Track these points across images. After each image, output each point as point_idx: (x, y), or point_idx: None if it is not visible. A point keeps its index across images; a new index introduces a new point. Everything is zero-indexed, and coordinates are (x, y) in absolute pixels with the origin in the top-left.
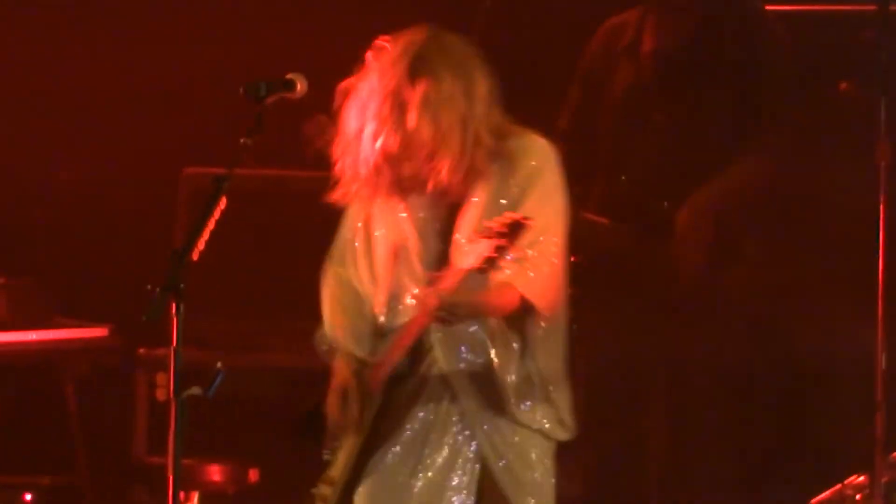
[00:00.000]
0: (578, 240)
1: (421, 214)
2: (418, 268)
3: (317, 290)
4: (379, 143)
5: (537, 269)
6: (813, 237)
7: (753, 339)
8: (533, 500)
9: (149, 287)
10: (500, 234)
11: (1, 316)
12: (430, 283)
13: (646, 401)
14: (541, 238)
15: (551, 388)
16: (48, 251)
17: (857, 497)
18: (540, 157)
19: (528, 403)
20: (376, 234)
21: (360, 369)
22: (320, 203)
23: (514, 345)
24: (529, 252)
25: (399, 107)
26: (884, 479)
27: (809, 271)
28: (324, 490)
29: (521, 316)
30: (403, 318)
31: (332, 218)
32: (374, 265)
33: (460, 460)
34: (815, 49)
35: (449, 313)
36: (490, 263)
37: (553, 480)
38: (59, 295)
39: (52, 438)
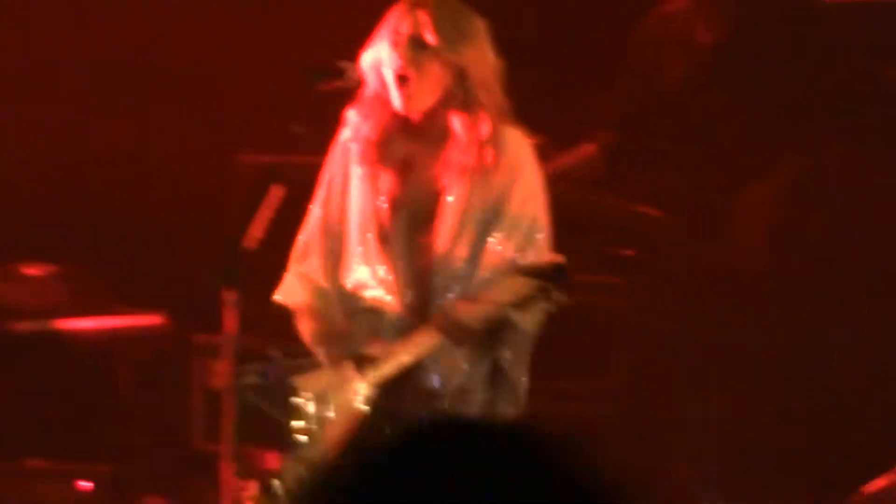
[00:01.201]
0: (631, 232)
1: (401, 202)
2: (389, 257)
3: None
4: (396, 68)
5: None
6: (866, 230)
7: (810, 328)
8: None
9: (204, 274)
10: (541, 275)
11: (58, 303)
12: (459, 306)
13: (698, 391)
14: (536, 236)
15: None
16: (104, 238)
17: None
18: (520, 150)
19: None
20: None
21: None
22: None
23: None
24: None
25: (419, 45)
26: None
27: (860, 265)
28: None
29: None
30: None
31: None
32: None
33: None
34: (869, 37)
35: (468, 338)
36: (527, 302)
37: None
38: (116, 282)
39: (108, 426)
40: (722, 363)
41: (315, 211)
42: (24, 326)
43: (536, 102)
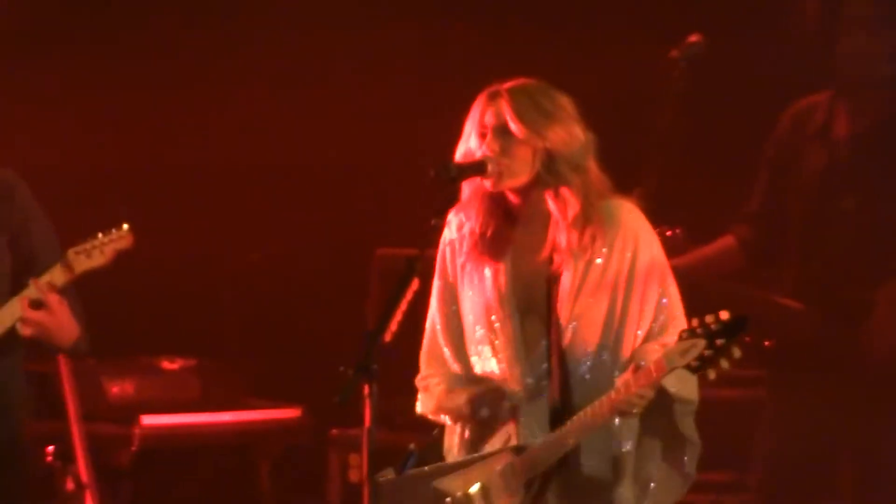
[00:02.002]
0: (770, 324)
1: (512, 290)
2: (505, 345)
3: None
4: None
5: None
6: None
7: None
8: None
9: (341, 369)
10: (719, 333)
11: (194, 397)
12: (635, 375)
13: (833, 484)
14: (671, 318)
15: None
16: (239, 332)
17: None
18: (631, 219)
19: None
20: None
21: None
22: None
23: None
24: (663, 335)
25: (504, 133)
26: None
27: None
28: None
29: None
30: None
31: None
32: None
33: None
34: None
35: (638, 406)
36: (705, 363)
37: None
38: (252, 376)
39: None
40: (859, 458)
41: (432, 319)
42: (164, 420)
43: (674, 193)
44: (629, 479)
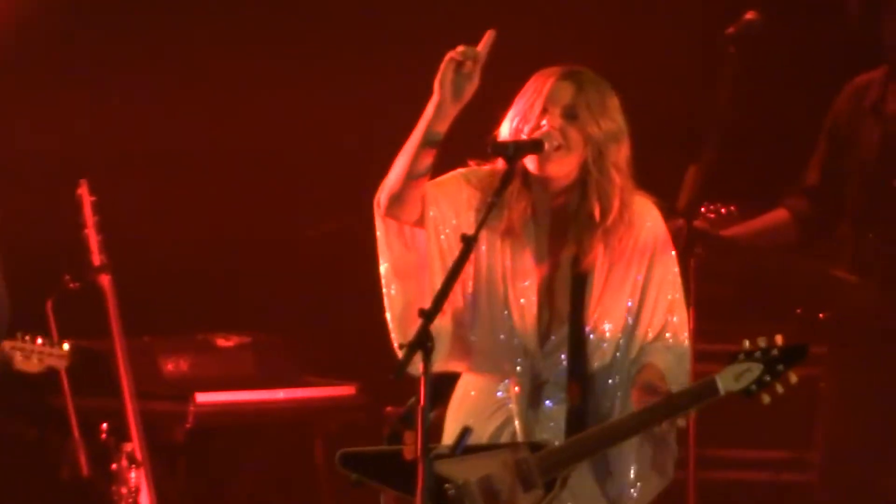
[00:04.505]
0: (826, 297)
1: (542, 281)
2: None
3: None
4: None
5: (683, 357)
6: None
7: None
8: None
9: (397, 345)
10: (777, 359)
11: (249, 374)
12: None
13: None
14: (674, 318)
15: None
16: (295, 309)
17: None
18: (657, 224)
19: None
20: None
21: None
22: None
23: None
24: (668, 335)
25: (571, 115)
26: None
27: None
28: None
29: None
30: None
31: None
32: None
33: None
34: None
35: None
36: (761, 387)
37: None
38: (307, 353)
39: (302, 498)
40: None
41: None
42: (218, 398)
43: (729, 170)
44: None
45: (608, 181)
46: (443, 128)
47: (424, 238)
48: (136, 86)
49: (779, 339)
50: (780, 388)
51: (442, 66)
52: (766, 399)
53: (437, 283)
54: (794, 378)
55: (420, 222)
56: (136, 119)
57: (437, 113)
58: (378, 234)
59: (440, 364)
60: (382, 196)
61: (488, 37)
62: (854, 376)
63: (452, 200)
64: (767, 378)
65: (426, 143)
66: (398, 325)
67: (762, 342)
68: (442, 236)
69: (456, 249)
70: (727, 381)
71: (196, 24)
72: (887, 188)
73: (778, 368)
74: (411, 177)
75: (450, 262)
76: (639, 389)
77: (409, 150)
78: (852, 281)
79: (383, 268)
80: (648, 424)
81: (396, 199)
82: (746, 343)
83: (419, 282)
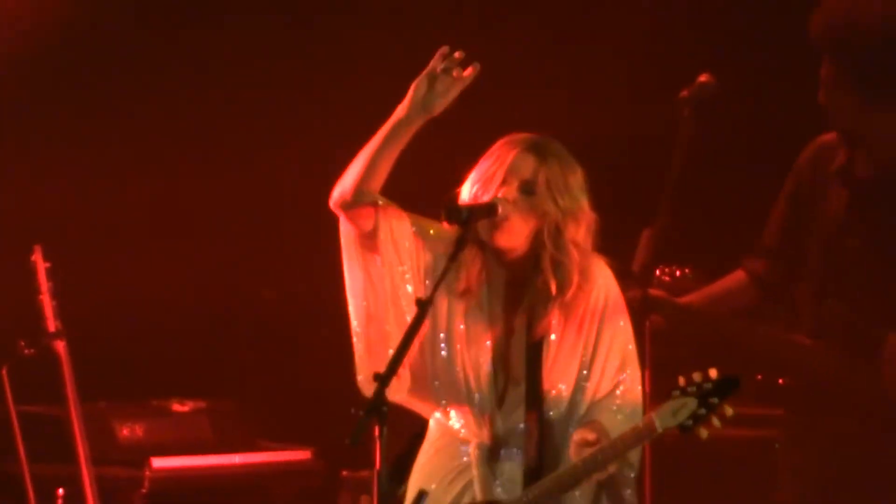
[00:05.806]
0: (785, 362)
1: (497, 344)
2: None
3: None
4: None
5: (635, 413)
6: None
7: None
8: None
9: (352, 410)
10: (710, 392)
11: (204, 439)
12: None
13: None
14: (626, 372)
15: None
16: (249, 374)
17: None
18: (608, 282)
19: None
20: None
21: None
22: None
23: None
24: (618, 391)
25: (528, 191)
26: None
27: None
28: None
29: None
30: None
31: None
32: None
33: None
34: None
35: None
36: (697, 422)
37: None
38: (262, 417)
39: None
40: (885, 494)
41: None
42: (174, 463)
43: (683, 233)
44: None
45: (566, 257)
46: (406, 135)
47: (382, 277)
48: (88, 151)
49: (712, 372)
50: (716, 422)
51: (421, 74)
52: (704, 434)
53: (393, 330)
54: (729, 411)
55: (371, 236)
56: (89, 184)
57: (404, 118)
58: (343, 262)
59: (403, 399)
60: (336, 190)
61: (473, 70)
62: (817, 448)
63: (406, 252)
64: (703, 411)
65: (388, 143)
66: (359, 363)
67: (697, 377)
68: (397, 279)
69: (411, 300)
70: (665, 417)
71: (146, 90)
72: (850, 252)
73: (712, 401)
74: (367, 178)
75: (402, 309)
76: (574, 444)
77: (369, 151)
78: (812, 346)
79: (350, 304)
80: (597, 468)
81: (350, 196)
82: (682, 379)
83: (380, 323)
